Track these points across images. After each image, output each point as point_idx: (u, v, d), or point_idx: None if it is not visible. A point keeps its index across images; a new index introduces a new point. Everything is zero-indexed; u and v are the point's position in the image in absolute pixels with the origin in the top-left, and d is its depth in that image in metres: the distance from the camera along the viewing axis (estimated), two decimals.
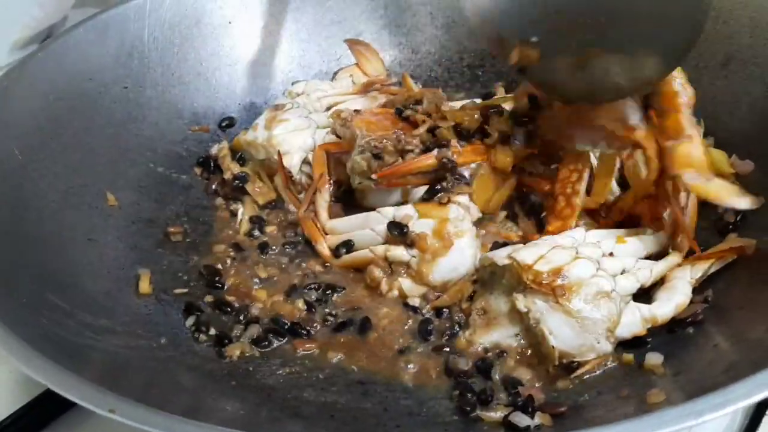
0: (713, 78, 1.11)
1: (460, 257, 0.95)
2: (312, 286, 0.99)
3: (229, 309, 0.97)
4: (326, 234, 1.03)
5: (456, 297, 0.91)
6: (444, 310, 0.94)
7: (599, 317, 0.80)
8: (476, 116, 1.02)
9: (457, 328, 0.91)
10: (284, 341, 0.92)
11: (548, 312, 0.81)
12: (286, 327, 0.93)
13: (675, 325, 0.85)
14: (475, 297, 0.91)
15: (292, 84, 1.27)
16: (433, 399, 0.84)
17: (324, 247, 1.02)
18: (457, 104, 1.13)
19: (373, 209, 1.01)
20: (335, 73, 1.29)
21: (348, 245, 1.00)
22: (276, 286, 1.00)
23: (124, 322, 0.89)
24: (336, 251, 1.00)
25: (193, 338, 0.92)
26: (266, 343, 0.91)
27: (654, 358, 0.81)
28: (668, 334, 0.85)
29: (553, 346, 0.81)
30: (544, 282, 0.81)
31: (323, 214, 1.03)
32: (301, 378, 0.87)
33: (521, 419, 0.76)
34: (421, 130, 0.99)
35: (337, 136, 1.06)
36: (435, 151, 0.97)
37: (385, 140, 0.97)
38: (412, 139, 0.98)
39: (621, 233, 0.93)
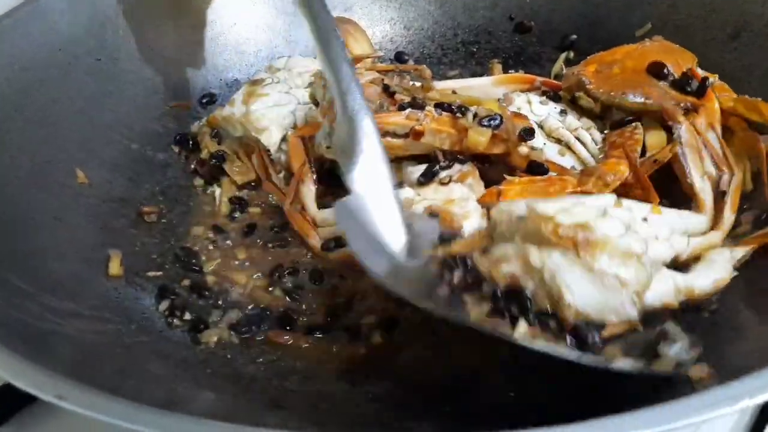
0: (722, 51, 1.05)
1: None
2: (297, 269, 0.92)
3: (206, 293, 0.90)
4: (317, 226, 0.94)
5: (469, 247, 0.80)
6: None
7: (626, 277, 0.69)
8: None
9: None
10: (265, 328, 0.86)
11: (566, 266, 0.69)
12: (268, 316, 0.87)
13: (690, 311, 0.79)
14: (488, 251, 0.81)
15: (277, 59, 1.20)
16: (427, 388, 0.78)
17: (316, 241, 0.93)
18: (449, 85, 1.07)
19: None
20: None
21: (338, 241, 0.91)
22: (258, 269, 0.94)
23: (91, 306, 0.82)
24: (326, 246, 0.92)
25: (167, 323, 0.85)
26: (246, 329, 0.85)
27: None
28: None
29: (569, 303, 0.69)
30: (564, 235, 0.69)
31: (311, 205, 0.95)
32: (283, 366, 0.81)
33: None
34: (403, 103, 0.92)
35: (315, 103, 0.98)
36: (407, 110, 0.90)
37: None
38: (393, 110, 0.91)
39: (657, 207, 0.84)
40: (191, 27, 1.21)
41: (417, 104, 0.91)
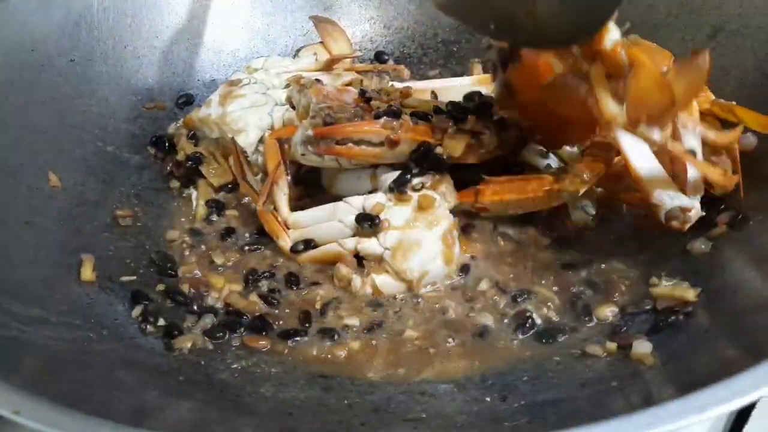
0: None
1: (438, 246, 0.87)
2: (274, 273, 0.91)
3: (181, 298, 0.89)
4: (289, 228, 0.93)
5: None
6: None
7: None
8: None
9: None
10: (241, 333, 0.84)
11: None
12: (244, 321, 0.85)
13: (664, 312, 0.79)
14: None
15: (255, 59, 1.18)
16: (403, 394, 0.77)
17: (286, 243, 0.92)
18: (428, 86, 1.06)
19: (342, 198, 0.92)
20: (298, 51, 1.21)
21: (307, 243, 0.91)
22: (234, 273, 0.93)
23: (60, 312, 0.80)
24: (294, 248, 0.91)
25: (140, 329, 0.84)
26: (221, 334, 0.84)
27: (642, 347, 0.75)
28: (656, 322, 0.79)
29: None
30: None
31: (283, 207, 0.94)
32: (257, 372, 0.80)
33: None
34: (379, 111, 0.91)
35: (292, 106, 0.97)
36: (382, 119, 0.89)
37: (340, 112, 0.89)
38: (369, 117, 0.89)
39: None
40: (167, 27, 1.19)
41: (393, 112, 0.89)
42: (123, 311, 0.86)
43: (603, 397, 0.70)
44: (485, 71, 1.24)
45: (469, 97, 0.98)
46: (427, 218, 0.87)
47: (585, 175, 0.86)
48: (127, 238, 0.97)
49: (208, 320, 0.85)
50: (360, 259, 0.89)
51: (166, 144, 1.10)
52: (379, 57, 1.29)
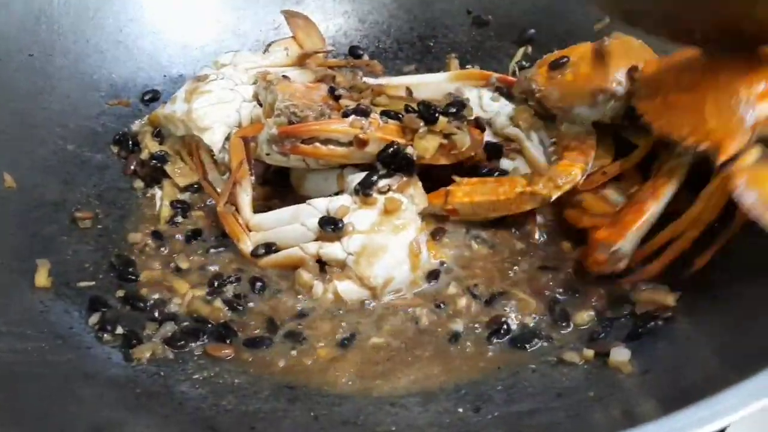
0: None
1: (404, 252, 0.83)
2: (239, 278, 0.87)
3: (142, 304, 0.85)
4: (250, 230, 0.89)
5: None
6: None
7: None
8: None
9: None
10: (204, 341, 0.80)
11: None
12: (208, 328, 0.82)
13: (643, 317, 0.76)
14: None
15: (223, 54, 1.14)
16: (372, 405, 0.73)
17: (247, 246, 0.88)
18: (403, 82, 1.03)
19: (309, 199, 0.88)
20: (268, 46, 1.17)
21: (269, 247, 0.87)
22: (198, 277, 0.88)
23: (11, 321, 0.76)
24: (255, 252, 0.87)
25: (97, 338, 0.80)
26: (182, 343, 0.80)
27: (620, 355, 0.72)
28: (635, 328, 0.76)
29: None
30: None
31: (245, 209, 0.90)
32: (220, 383, 0.76)
33: None
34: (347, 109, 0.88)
35: (259, 103, 0.93)
36: (351, 117, 0.85)
37: (307, 110, 0.85)
38: (336, 116, 0.86)
39: None
40: (131, 20, 1.15)
41: (361, 111, 0.86)
42: (79, 319, 0.82)
43: (580, 408, 0.67)
44: (462, 65, 1.21)
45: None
46: (394, 222, 0.83)
47: (560, 180, 0.84)
48: (87, 241, 0.93)
49: (169, 328, 0.81)
50: (323, 264, 0.86)
51: (130, 142, 1.05)
52: (353, 52, 1.24)
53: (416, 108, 0.89)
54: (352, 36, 1.27)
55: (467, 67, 1.20)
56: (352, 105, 0.87)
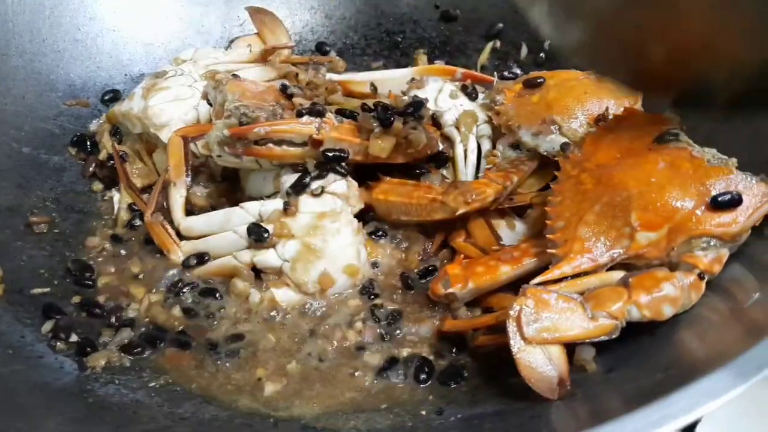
0: None
1: (342, 256, 0.81)
2: (197, 284, 0.85)
3: (98, 310, 0.83)
4: (181, 235, 0.87)
5: None
6: None
7: None
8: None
9: None
10: (162, 348, 0.78)
11: None
12: (164, 333, 0.80)
13: None
14: None
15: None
16: (334, 409, 0.72)
17: (177, 257, 0.85)
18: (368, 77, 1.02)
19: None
20: (231, 42, 1.14)
21: (201, 257, 0.84)
22: (156, 282, 0.86)
23: None
24: (186, 263, 0.85)
25: (50, 346, 0.77)
26: (139, 350, 0.77)
27: (586, 352, 0.70)
28: None
29: None
30: None
31: (177, 211, 0.87)
32: (178, 390, 0.74)
33: None
34: (301, 109, 0.85)
35: (209, 103, 0.91)
36: (305, 117, 0.83)
37: (257, 110, 0.82)
38: (289, 116, 0.83)
39: None
40: (90, 18, 1.12)
41: (316, 111, 0.83)
42: (32, 328, 0.79)
43: (543, 410, 0.65)
44: (430, 60, 1.20)
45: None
46: (329, 226, 0.81)
47: (470, 196, 0.81)
48: (43, 246, 0.90)
49: (126, 335, 0.79)
50: (259, 272, 0.83)
51: (88, 144, 1.02)
52: (320, 48, 1.23)
53: (372, 107, 0.87)
54: (319, 32, 1.25)
55: (436, 62, 1.18)
56: (305, 103, 0.85)
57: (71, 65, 1.09)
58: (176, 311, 0.82)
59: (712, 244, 0.70)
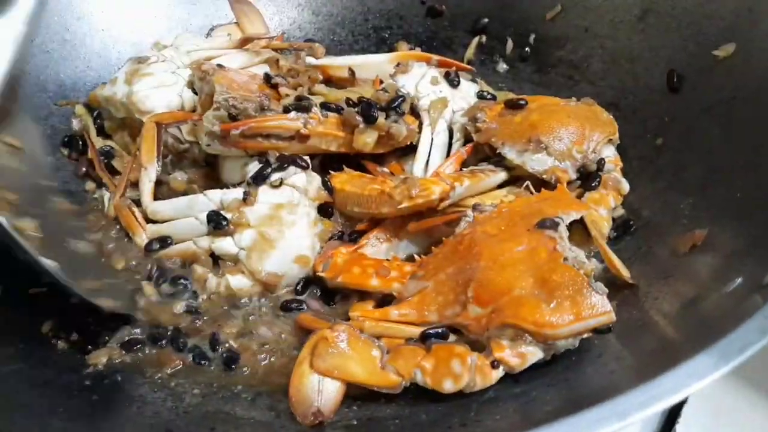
0: (630, 32, 1.04)
1: (296, 247, 0.83)
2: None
3: (97, 309, 0.83)
4: (148, 219, 0.89)
5: None
6: None
7: None
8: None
9: None
10: (162, 344, 0.80)
11: None
12: (165, 330, 0.81)
13: None
14: None
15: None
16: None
17: (142, 240, 0.87)
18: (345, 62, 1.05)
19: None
20: (211, 30, 1.15)
21: (163, 241, 0.86)
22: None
23: None
24: (149, 247, 0.86)
25: (50, 345, 0.78)
26: (139, 346, 0.79)
27: None
28: None
29: None
30: None
31: (146, 196, 0.89)
32: (180, 384, 0.75)
33: None
34: (286, 102, 0.88)
35: (194, 92, 0.92)
36: (292, 113, 0.85)
37: (245, 102, 0.84)
38: (276, 107, 0.86)
39: None
40: (78, 18, 1.12)
41: (302, 107, 0.86)
42: (31, 327, 0.80)
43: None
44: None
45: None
46: (286, 217, 0.83)
47: (414, 191, 0.82)
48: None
49: (126, 332, 0.80)
50: (217, 258, 0.85)
51: (80, 143, 1.03)
52: None
53: (356, 102, 0.89)
54: (306, 29, 1.26)
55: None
56: (290, 93, 0.87)
57: (60, 65, 1.10)
58: (178, 307, 0.83)
59: (524, 338, 0.69)
